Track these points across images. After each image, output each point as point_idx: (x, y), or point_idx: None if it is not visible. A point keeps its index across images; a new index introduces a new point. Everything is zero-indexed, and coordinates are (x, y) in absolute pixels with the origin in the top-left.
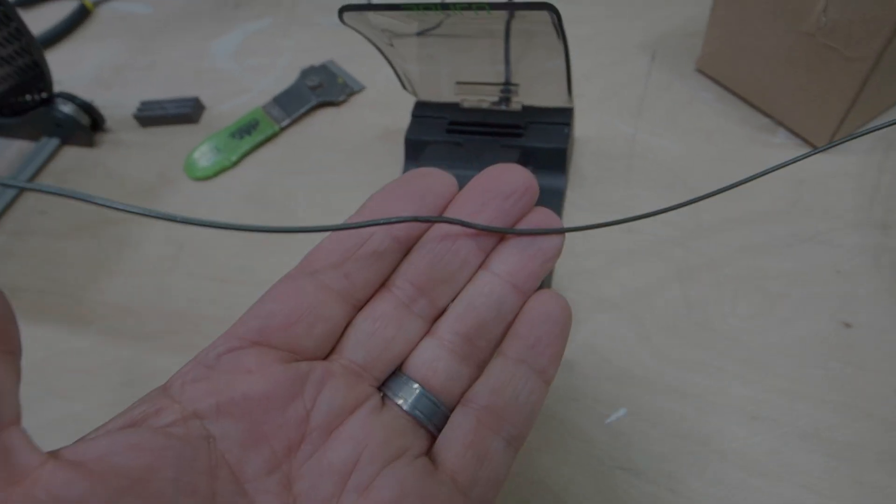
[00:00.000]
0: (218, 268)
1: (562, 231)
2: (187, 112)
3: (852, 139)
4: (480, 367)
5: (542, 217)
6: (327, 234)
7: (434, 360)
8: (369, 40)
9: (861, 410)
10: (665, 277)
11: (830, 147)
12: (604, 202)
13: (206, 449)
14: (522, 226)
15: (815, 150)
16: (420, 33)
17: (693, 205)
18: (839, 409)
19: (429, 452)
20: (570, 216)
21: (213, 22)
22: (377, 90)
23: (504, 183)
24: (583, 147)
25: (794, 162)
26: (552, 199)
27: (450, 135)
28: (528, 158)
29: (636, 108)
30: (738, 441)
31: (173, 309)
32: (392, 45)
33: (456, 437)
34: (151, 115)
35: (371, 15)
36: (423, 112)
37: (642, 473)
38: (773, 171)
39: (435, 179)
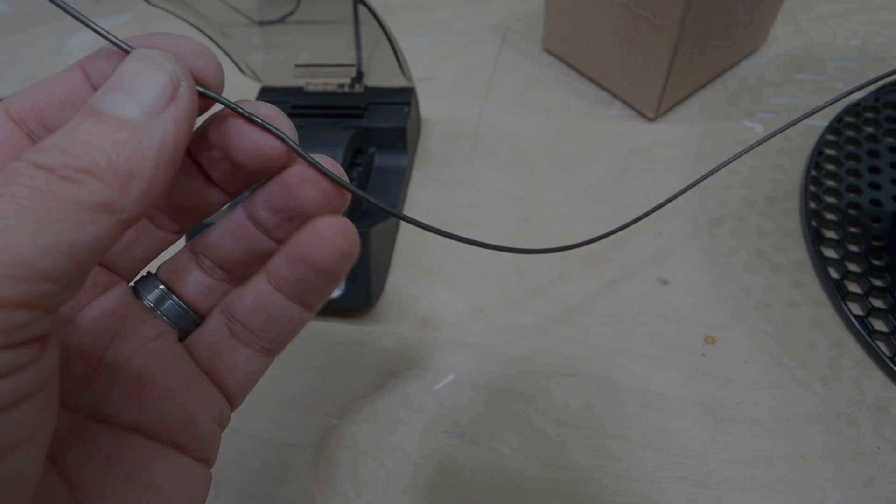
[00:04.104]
0: None
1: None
2: None
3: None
4: (241, 280)
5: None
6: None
7: (184, 273)
8: (193, 25)
9: (671, 361)
10: None
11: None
12: (448, 180)
13: None
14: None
15: None
16: (279, 20)
17: (531, 177)
18: (652, 362)
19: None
20: (415, 194)
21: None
22: (233, 79)
23: None
24: (431, 128)
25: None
26: (394, 177)
27: (292, 119)
28: (369, 138)
29: (485, 88)
30: (558, 399)
31: None
32: (224, 35)
33: (206, 340)
34: None
35: None
36: (267, 97)
37: (465, 435)
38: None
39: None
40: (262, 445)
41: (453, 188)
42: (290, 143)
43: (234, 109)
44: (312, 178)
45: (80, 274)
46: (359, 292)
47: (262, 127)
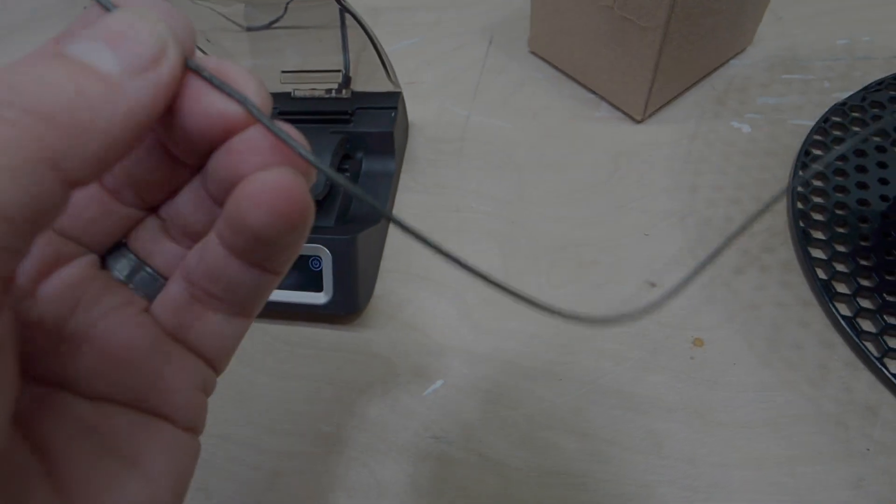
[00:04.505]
0: None
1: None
2: None
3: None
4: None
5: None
6: None
7: (151, 241)
8: None
9: (660, 364)
10: (488, 252)
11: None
12: (436, 184)
13: None
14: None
15: None
16: (266, 26)
17: (519, 180)
18: (638, 365)
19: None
20: (403, 199)
21: (63, 24)
22: None
23: None
24: (418, 132)
25: None
26: (382, 182)
27: None
28: (357, 144)
29: (472, 91)
30: (546, 403)
31: None
32: (209, 41)
33: (170, 307)
34: None
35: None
36: None
37: (454, 441)
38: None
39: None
40: (251, 453)
41: (441, 192)
42: (246, 102)
43: (190, 68)
44: (266, 146)
45: (17, 237)
46: (347, 298)
47: (218, 88)
